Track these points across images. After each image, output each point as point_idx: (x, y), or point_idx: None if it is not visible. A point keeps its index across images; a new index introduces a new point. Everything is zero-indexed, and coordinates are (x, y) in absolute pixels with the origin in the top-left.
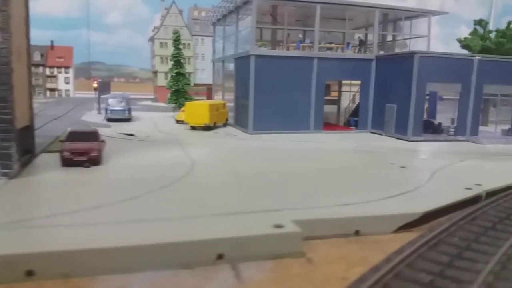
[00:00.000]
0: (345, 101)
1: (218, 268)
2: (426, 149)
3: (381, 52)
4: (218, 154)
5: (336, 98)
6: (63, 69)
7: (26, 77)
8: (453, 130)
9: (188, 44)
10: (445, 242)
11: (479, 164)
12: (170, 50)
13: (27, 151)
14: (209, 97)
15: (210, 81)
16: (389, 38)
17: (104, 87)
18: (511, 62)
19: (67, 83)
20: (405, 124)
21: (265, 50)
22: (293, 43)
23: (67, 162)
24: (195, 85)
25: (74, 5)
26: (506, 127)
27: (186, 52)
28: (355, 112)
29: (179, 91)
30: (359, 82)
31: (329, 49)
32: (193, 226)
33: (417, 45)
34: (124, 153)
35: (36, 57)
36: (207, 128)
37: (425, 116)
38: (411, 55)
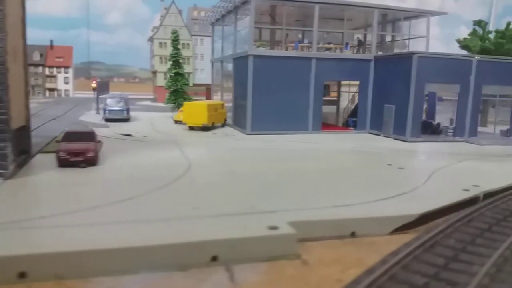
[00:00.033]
0: (345, 102)
1: (212, 270)
2: (424, 150)
3: (380, 53)
4: (215, 154)
5: (335, 98)
6: (62, 69)
7: (23, 77)
8: (451, 130)
9: (188, 44)
10: (441, 244)
11: (477, 165)
12: (169, 50)
13: (23, 151)
14: (208, 97)
15: (209, 81)
16: (388, 38)
17: (102, 87)
18: (510, 63)
19: (67, 83)
20: (403, 124)
21: (263, 50)
22: (292, 43)
23: (63, 163)
24: (195, 85)
25: (74, 5)
26: (505, 128)
27: (185, 52)
28: (354, 113)
29: (178, 91)
30: (358, 82)
31: (328, 49)
32: (188, 228)
33: (417, 46)
34: (121, 154)
35: (36, 57)
36: (205, 128)
37: (424, 117)
38: (409, 55)
